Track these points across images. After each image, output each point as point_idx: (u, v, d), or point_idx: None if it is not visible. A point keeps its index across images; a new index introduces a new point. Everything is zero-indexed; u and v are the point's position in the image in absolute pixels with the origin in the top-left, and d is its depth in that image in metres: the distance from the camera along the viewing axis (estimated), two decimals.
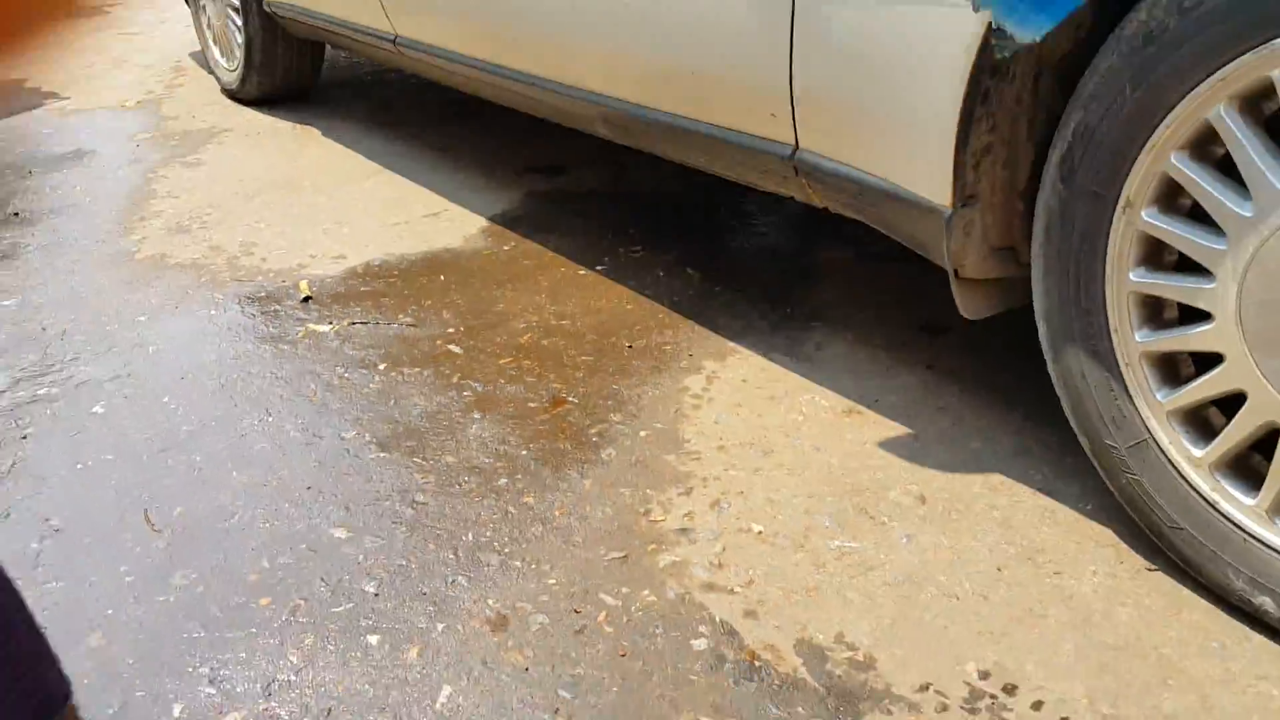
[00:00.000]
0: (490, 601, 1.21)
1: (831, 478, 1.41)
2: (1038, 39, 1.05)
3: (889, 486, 1.39)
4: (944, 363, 1.70)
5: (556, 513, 1.36)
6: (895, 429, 1.52)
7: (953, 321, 1.81)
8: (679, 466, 1.45)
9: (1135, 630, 1.12)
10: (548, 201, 2.52)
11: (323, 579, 1.26)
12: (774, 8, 1.32)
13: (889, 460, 1.44)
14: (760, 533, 1.31)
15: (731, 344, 1.79)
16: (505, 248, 2.24)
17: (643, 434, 1.54)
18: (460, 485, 1.43)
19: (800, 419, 1.56)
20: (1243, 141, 0.97)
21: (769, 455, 1.47)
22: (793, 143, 1.44)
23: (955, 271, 1.31)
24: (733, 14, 1.39)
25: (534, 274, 2.10)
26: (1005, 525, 1.30)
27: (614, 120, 1.81)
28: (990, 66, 1.13)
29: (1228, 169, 1.00)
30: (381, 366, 1.75)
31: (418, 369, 1.74)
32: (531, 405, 1.62)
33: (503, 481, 1.43)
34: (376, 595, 1.23)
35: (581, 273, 2.10)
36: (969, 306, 1.34)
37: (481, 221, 2.39)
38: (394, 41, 2.44)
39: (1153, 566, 1.21)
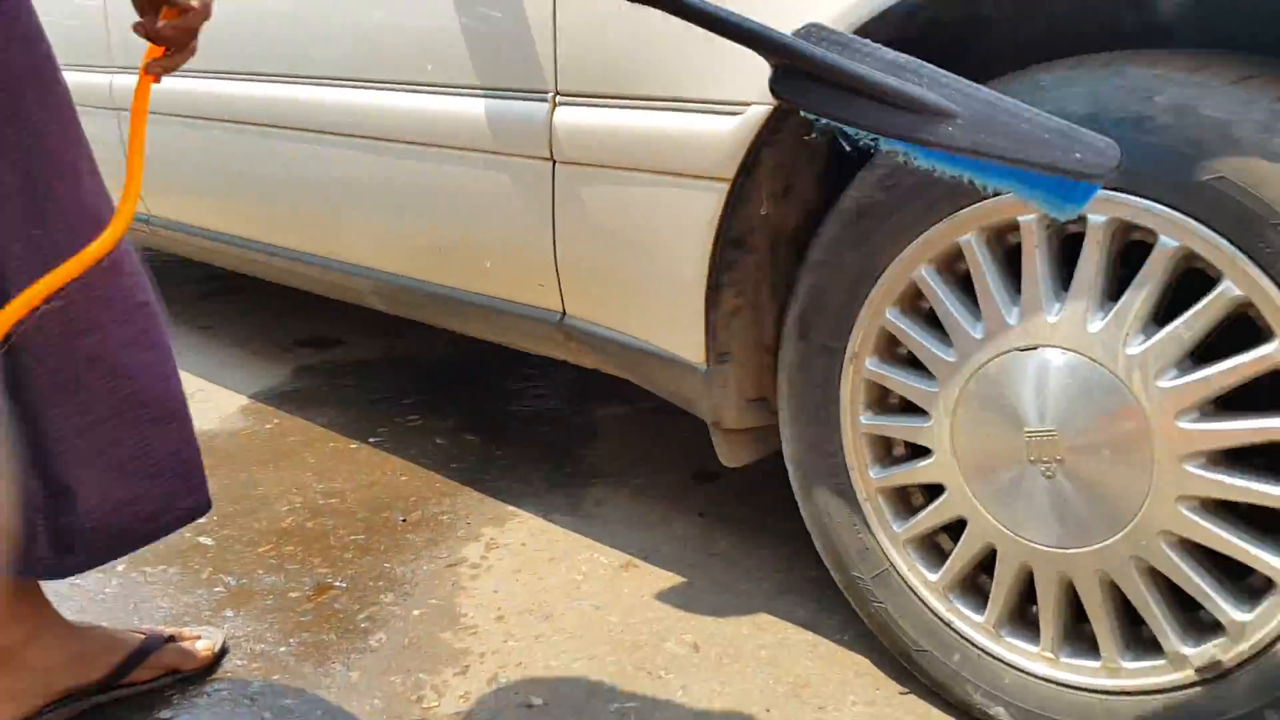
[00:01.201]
0: None
1: (611, 636, 1.42)
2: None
3: (665, 638, 1.42)
4: (716, 509, 1.78)
5: (318, 714, 1.28)
6: (671, 579, 1.57)
7: (723, 469, 1.90)
8: (455, 644, 1.42)
9: None
10: (318, 374, 2.48)
11: None
12: (537, 187, 1.42)
13: (665, 612, 1.48)
14: (540, 705, 1.28)
15: (511, 507, 1.80)
16: (268, 425, 2.17)
17: (416, 613, 1.49)
18: (207, 696, 1.31)
19: (580, 578, 1.58)
20: (942, 297, 1.13)
21: (549, 620, 1.47)
22: (560, 310, 1.52)
23: (716, 423, 1.40)
24: (499, 193, 1.49)
25: (300, 451, 2.04)
26: (773, 664, 1.35)
27: (386, 294, 1.84)
28: (732, 239, 1.27)
29: (934, 321, 1.16)
30: (120, 567, 1.60)
31: (162, 567, 1.61)
32: (293, 595, 1.54)
33: (256, 686, 1.33)
34: None
35: (354, 446, 2.07)
36: (730, 456, 1.44)
37: (242, 400, 2.31)
38: (148, 222, 2.38)
39: (905, 690, 1.29)
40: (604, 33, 1.30)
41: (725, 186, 1.20)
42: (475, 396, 2.33)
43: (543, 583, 1.56)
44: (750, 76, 1.14)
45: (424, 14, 1.53)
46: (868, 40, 0.86)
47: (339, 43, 1.69)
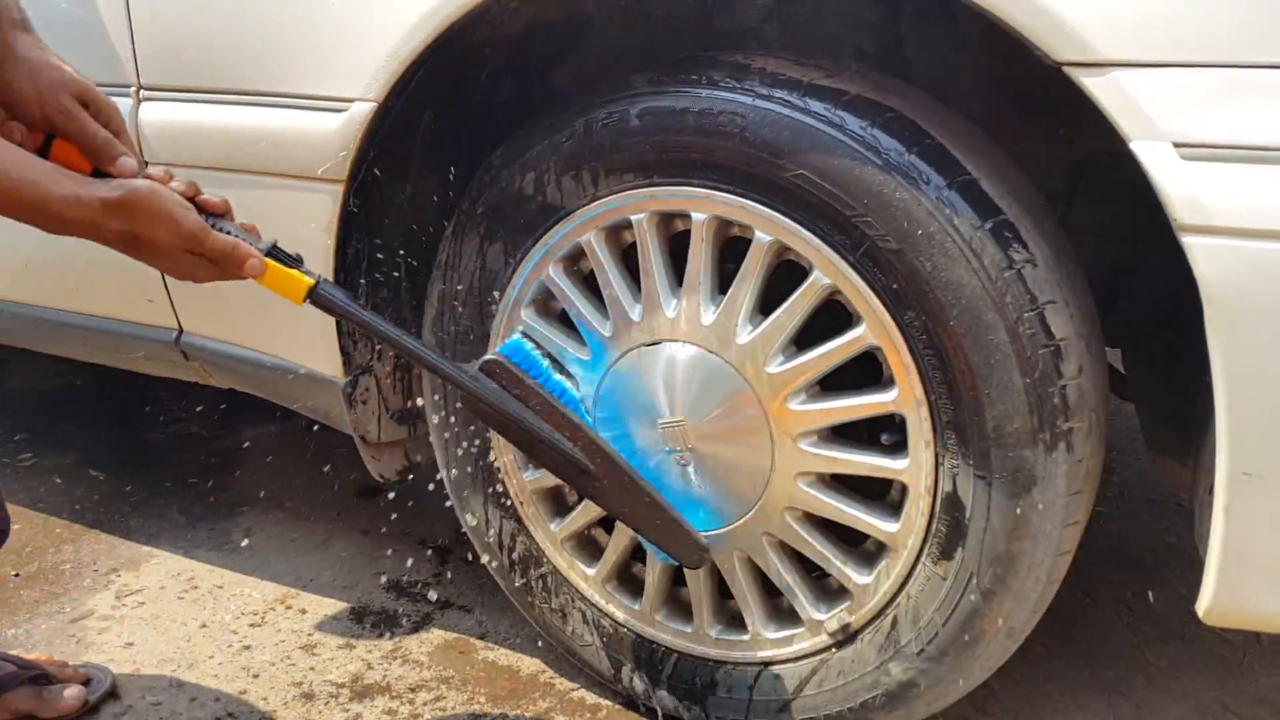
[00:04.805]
0: None
1: (266, 678, 1.31)
2: None
3: (326, 672, 1.32)
4: (379, 525, 1.69)
5: None
6: (331, 606, 1.47)
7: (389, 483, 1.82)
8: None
9: None
10: None
11: None
12: None
13: (326, 641, 1.38)
14: None
15: (147, 548, 1.61)
16: None
17: None
18: None
19: (229, 618, 1.44)
20: (571, 298, 1.11)
21: (193, 668, 1.33)
22: (176, 327, 1.36)
23: (362, 438, 1.32)
24: None
25: None
26: (449, 680, 1.30)
27: None
28: (359, 244, 1.18)
29: (569, 321, 1.14)
30: None
31: None
32: None
33: None
34: None
35: None
36: (380, 469, 1.36)
37: None
38: None
39: (575, 686, 1.29)
40: (187, 22, 1.16)
41: (339, 189, 1.12)
42: (101, 427, 2.08)
43: (185, 629, 1.41)
44: (352, 69, 1.06)
45: None
46: (538, 380, 1.03)
47: None
